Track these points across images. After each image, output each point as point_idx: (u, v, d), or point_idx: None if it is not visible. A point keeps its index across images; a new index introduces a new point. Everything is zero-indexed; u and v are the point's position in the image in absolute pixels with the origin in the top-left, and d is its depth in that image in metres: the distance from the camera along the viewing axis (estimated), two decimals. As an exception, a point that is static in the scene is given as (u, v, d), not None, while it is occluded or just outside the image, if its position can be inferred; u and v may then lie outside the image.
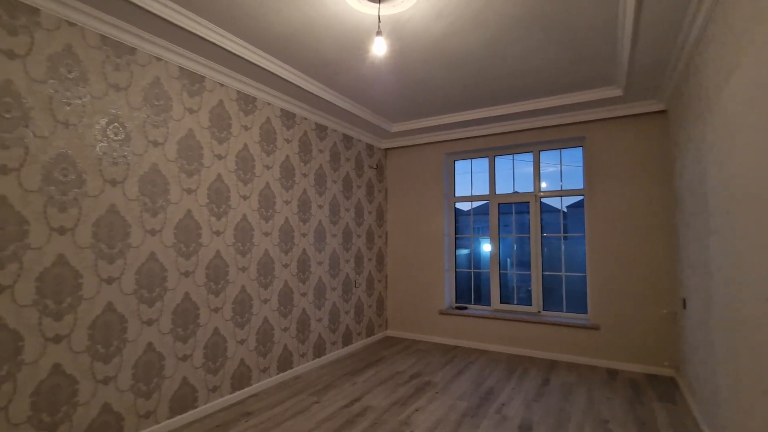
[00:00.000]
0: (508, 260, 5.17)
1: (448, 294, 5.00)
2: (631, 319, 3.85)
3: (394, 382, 3.47)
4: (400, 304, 5.23)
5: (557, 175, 4.58)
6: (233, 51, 2.72)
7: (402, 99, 3.90)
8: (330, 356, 4.16)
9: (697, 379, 2.76)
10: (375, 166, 5.14)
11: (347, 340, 4.47)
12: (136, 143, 2.49)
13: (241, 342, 3.17)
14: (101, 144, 2.31)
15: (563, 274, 4.47)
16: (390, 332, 5.26)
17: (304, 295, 3.85)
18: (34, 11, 2.05)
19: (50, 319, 2.07)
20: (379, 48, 2.19)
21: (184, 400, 2.72)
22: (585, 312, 4.28)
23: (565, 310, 4.44)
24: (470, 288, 5.27)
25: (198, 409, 2.81)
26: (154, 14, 2.26)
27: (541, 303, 4.50)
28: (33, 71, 2.04)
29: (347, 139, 4.59)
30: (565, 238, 4.66)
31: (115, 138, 2.38)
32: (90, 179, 2.26)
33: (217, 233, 3.00)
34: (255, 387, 3.26)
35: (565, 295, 4.46)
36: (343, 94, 3.77)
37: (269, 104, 3.51)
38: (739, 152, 1.79)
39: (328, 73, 3.30)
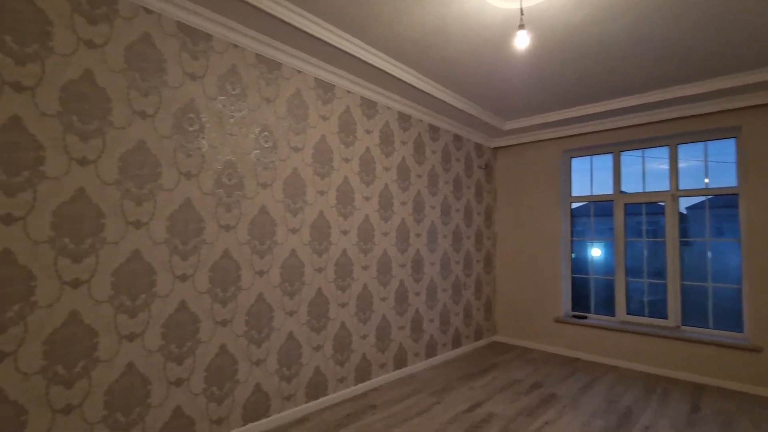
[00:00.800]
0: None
1: (564, 301, 4.66)
2: (809, 344, 3.20)
3: (515, 391, 3.33)
4: (509, 308, 5.02)
5: (691, 171, 4.00)
6: (363, 58, 2.84)
7: (524, 94, 3.74)
8: (440, 357, 4.14)
9: None
10: (484, 166, 5.01)
11: (456, 342, 4.41)
12: (281, 149, 2.74)
13: (363, 337, 3.31)
14: (255, 151, 2.59)
15: (710, 285, 3.88)
16: (498, 338, 5.08)
17: (417, 294, 3.90)
18: (209, 37, 2.37)
19: (219, 305, 2.37)
20: (522, 41, 2.10)
21: (317, 388, 2.91)
22: (739, 330, 3.67)
23: (712, 326, 3.85)
24: (587, 295, 4.87)
25: (328, 396, 2.99)
26: (299, 29, 2.45)
27: (680, 317, 3.97)
28: (208, 90, 2.36)
29: (458, 139, 4.54)
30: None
31: (266, 145, 2.65)
32: (248, 183, 2.54)
33: (344, 233, 3.17)
34: (374, 381, 3.38)
35: (711, 309, 3.86)
36: (461, 94, 3.73)
37: (388, 108, 3.62)
38: None
39: (450, 73, 3.29)
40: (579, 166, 4.92)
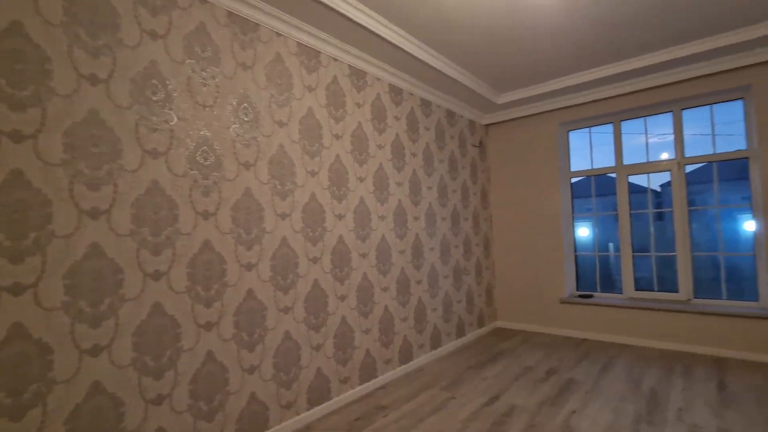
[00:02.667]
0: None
1: (569, 281, 4.47)
2: (830, 308, 3.07)
3: (530, 379, 3.10)
4: (510, 292, 4.80)
5: (700, 138, 3.83)
6: (347, 14, 2.50)
7: (524, 58, 3.46)
8: (446, 348, 3.89)
9: None
10: (478, 144, 4.75)
11: (460, 331, 4.17)
12: (264, 124, 2.39)
13: (366, 332, 3.01)
14: (234, 126, 2.23)
15: (721, 254, 3.74)
16: (500, 323, 4.86)
17: (419, 283, 3.61)
18: (170, -11, 1.99)
19: (201, 306, 2.02)
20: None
21: (319, 392, 2.60)
22: (753, 299, 3.54)
23: (724, 297, 3.72)
24: (589, 274, 4.72)
25: (332, 400, 2.68)
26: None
27: (692, 289, 3.81)
28: (172, 51, 1.98)
29: (450, 116, 4.25)
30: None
31: (246, 119, 2.29)
32: (227, 162, 2.18)
33: (339, 217, 2.85)
34: (381, 379, 3.09)
35: (724, 279, 3.73)
36: (454, 60, 3.43)
37: (379, 79, 3.29)
38: None
39: (443, 35, 2.98)
40: (575, 143, 4.72)
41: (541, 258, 4.57)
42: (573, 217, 4.61)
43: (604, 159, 4.44)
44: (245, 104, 2.29)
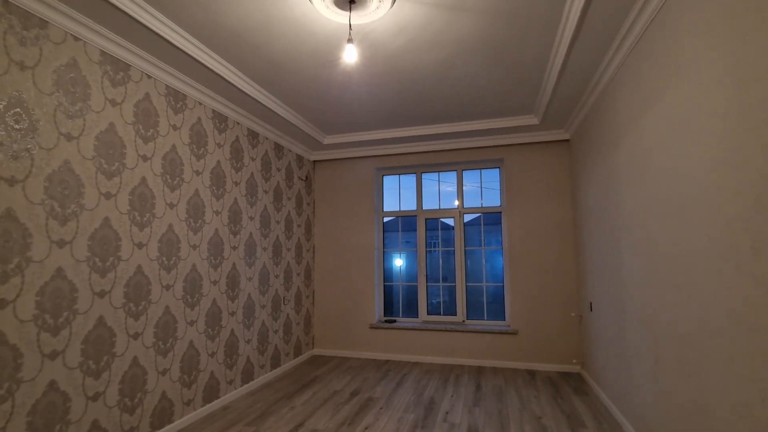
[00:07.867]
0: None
1: (378, 308, 5.00)
2: (544, 323, 4.31)
3: (335, 402, 3.33)
4: (327, 320, 5.07)
5: (476, 192, 4.97)
6: (168, 38, 2.42)
7: (344, 111, 3.88)
8: (259, 381, 3.82)
9: (605, 372, 3.18)
10: (305, 178, 4.99)
11: (276, 362, 4.16)
12: (45, 135, 2.04)
13: (164, 372, 2.74)
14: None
15: (484, 284, 4.82)
16: (317, 351, 5.05)
17: (233, 314, 3.50)
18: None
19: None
20: (350, 56, 2.15)
21: (93, 449, 2.23)
22: (504, 319, 4.66)
23: (486, 318, 4.78)
24: (398, 301, 5.38)
25: (110, 457, 2.33)
26: (83, -15, 1.91)
27: (465, 312, 4.77)
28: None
29: (278, 148, 4.38)
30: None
31: (16, 127, 1.92)
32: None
33: (140, 245, 2.59)
34: (178, 423, 2.83)
35: (486, 304, 4.79)
36: (283, 101, 3.61)
37: (201, 104, 3.19)
38: (655, 173, 2.17)
39: (272, 77, 3.13)
40: (389, 184, 5.44)
41: (355, 287, 5.00)
42: (384, 251, 5.24)
43: (414, 201, 5.28)
44: (18, 108, 1.93)
